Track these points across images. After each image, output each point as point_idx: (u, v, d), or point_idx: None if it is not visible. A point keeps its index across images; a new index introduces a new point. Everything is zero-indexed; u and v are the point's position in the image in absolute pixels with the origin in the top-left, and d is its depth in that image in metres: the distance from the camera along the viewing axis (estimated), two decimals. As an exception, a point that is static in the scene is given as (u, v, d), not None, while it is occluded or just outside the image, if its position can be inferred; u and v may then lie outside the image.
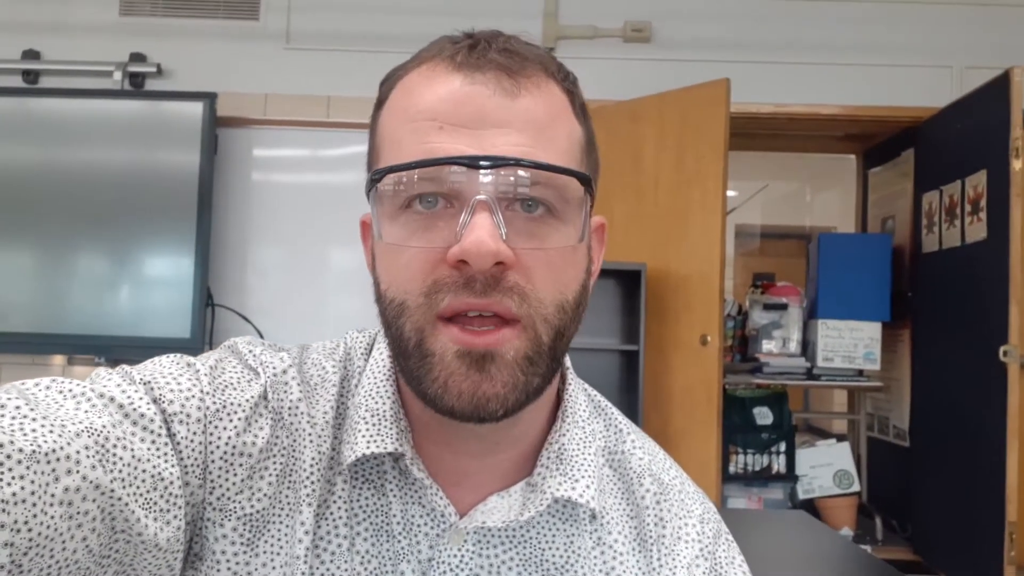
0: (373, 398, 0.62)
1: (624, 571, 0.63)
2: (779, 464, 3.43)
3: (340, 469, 0.61)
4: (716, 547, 0.67)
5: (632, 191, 3.13)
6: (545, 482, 0.61)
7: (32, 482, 0.43)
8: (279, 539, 0.58)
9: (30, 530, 0.42)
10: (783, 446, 3.44)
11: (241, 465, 0.57)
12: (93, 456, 0.47)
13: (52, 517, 0.44)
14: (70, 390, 0.51)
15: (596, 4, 3.46)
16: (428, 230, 0.55)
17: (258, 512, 0.57)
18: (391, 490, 0.61)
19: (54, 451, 0.45)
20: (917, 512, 3.28)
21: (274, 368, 0.63)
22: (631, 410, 2.90)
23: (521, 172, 0.53)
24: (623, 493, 0.67)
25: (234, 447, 0.57)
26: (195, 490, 0.55)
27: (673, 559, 0.65)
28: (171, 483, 0.52)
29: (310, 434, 0.61)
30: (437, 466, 0.61)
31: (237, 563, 0.57)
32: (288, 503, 0.58)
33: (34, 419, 0.46)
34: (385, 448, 0.59)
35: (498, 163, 0.53)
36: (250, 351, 0.64)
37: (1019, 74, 2.66)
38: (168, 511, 0.52)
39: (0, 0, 3.44)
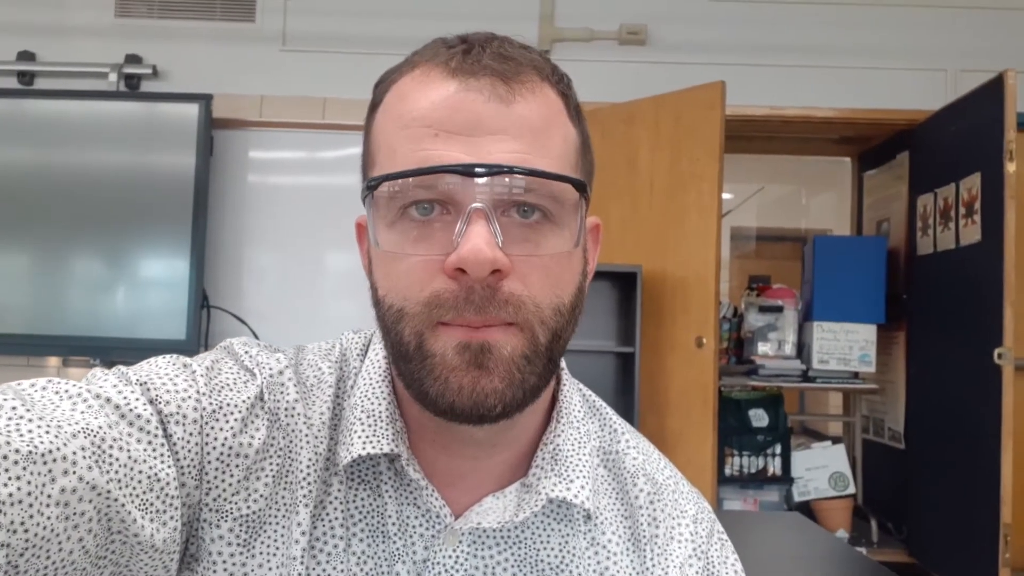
0: (369, 399, 0.62)
1: (618, 571, 0.63)
2: (775, 466, 3.43)
3: (336, 470, 0.61)
4: (709, 547, 0.67)
5: (628, 193, 3.13)
6: (540, 483, 0.61)
7: (28, 483, 0.43)
8: (275, 540, 0.58)
9: (26, 531, 0.42)
10: (779, 448, 3.44)
11: (237, 466, 0.57)
12: (89, 457, 0.47)
13: (48, 518, 0.44)
14: (66, 391, 0.51)
15: (592, 7, 3.47)
16: (424, 237, 0.55)
17: (254, 513, 0.57)
18: (387, 491, 0.61)
19: (50, 452, 0.45)
20: (912, 514, 3.29)
21: (270, 369, 0.63)
22: (627, 412, 2.90)
23: (517, 179, 0.54)
24: (617, 493, 0.67)
25: (230, 448, 0.57)
26: (191, 491, 0.55)
27: (666, 559, 0.65)
28: (167, 484, 0.52)
29: (306, 435, 0.61)
30: (432, 467, 0.61)
31: (233, 564, 0.57)
32: (284, 504, 0.58)
33: (30, 420, 0.46)
34: (381, 449, 0.59)
35: (493, 171, 0.53)
36: (246, 352, 0.64)
37: (1013, 77, 2.67)
38: (164, 512, 0.52)
39: (-5, 2, 3.44)
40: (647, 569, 0.64)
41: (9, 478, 0.42)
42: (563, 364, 0.67)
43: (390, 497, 0.61)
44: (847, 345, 3.40)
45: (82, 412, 0.50)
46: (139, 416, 0.53)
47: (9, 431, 0.44)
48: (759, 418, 3.46)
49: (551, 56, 3.40)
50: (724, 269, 3.17)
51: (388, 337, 0.58)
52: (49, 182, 3.19)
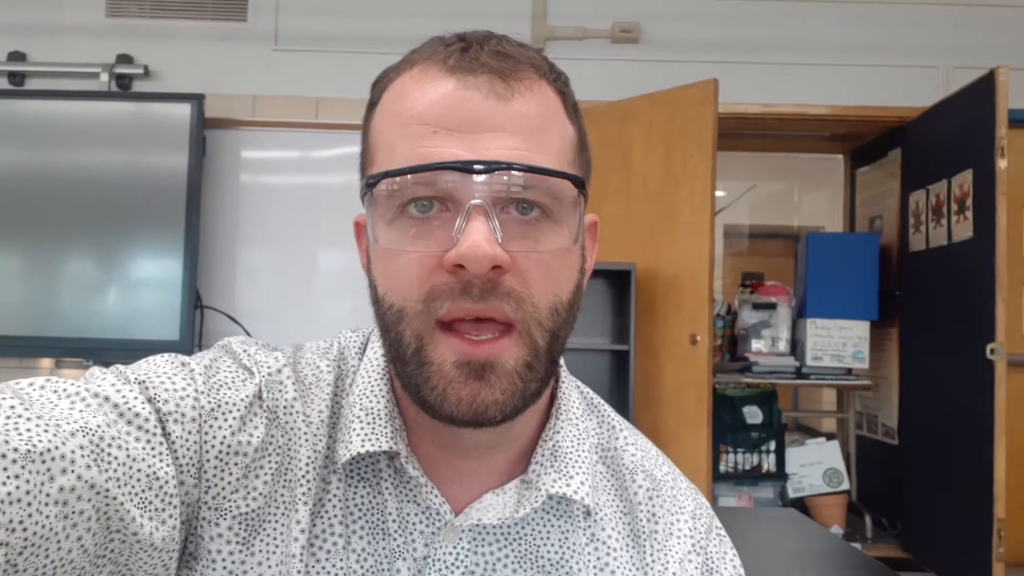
0: (368, 397, 0.62)
1: (618, 566, 0.64)
2: (769, 463, 3.44)
3: (335, 468, 0.61)
4: (708, 542, 0.68)
5: (621, 191, 3.13)
6: (540, 479, 0.62)
7: (27, 482, 0.43)
8: (275, 538, 0.58)
9: (25, 530, 0.42)
10: (773, 445, 3.45)
11: (236, 464, 0.57)
12: (88, 456, 0.47)
13: (47, 517, 0.44)
14: (64, 390, 0.51)
15: (585, 5, 3.47)
16: (424, 235, 0.55)
17: (253, 511, 0.57)
18: (386, 488, 0.61)
19: (49, 451, 0.45)
20: (906, 509, 3.30)
21: (269, 367, 0.63)
22: (622, 410, 2.89)
23: (515, 176, 0.54)
24: (616, 489, 0.67)
25: (229, 446, 0.57)
26: (190, 489, 0.55)
27: (666, 554, 0.65)
28: (166, 482, 0.52)
29: (305, 433, 0.61)
30: (432, 465, 0.61)
31: (233, 562, 0.57)
32: (284, 502, 0.58)
33: (29, 419, 0.46)
34: (380, 447, 0.59)
35: (492, 167, 0.53)
36: (244, 351, 0.64)
37: (1004, 74, 2.68)
38: (163, 511, 0.52)
39: (-15, 2, 3.42)
40: (647, 564, 0.65)
41: (8, 477, 0.42)
42: (561, 362, 0.67)
43: (390, 495, 0.61)
44: (840, 341, 3.41)
45: (80, 411, 0.50)
46: (138, 415, 0.53)
47: (8, 430, 0.44)
48: (753, 415, 3.47)
49: (544, 54, 3.38)
50: (718, 266, 3.17)
51: (387, 337, 0.57)
52: (41, 183, 3.17)
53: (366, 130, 0.62)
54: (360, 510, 0.60)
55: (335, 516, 0.59)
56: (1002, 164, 2.66)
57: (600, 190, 3.12)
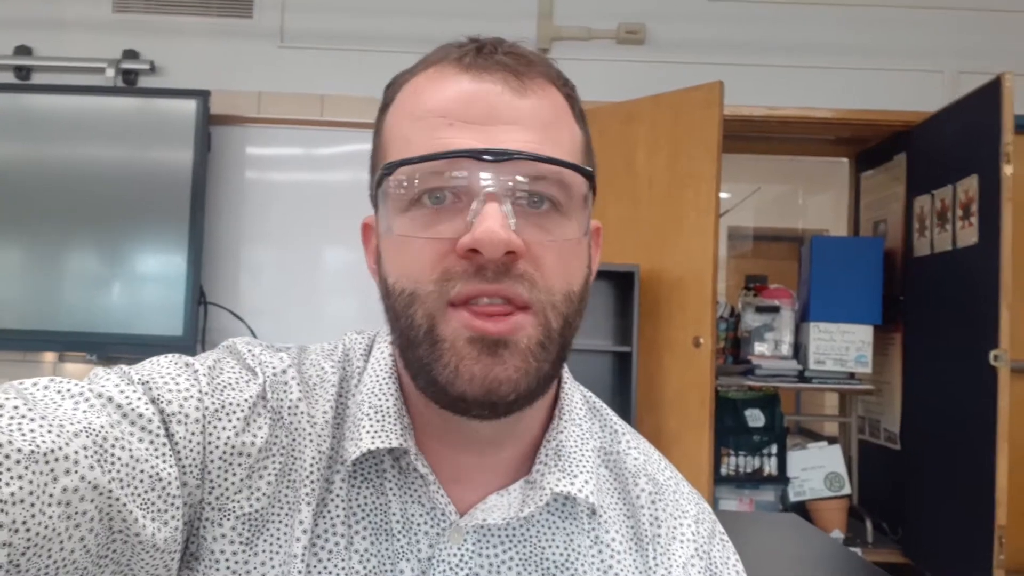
0: (376, 395, 0.62)
1: (621, 569, 0.64)
2: (770, 466, 3.44)
3: (338, 468, 0.61)
4: (711, 547, 0.68)
5: (625, 193, 3.13)
6: (544, 478, 0.62)
7: (31, 482, 0.43)
8: (278, 538, 0.58)
9: (28, 530, 0.42)
10: (775, 448, 3.45)
11: (240, 465, 0.57)
12: (91, 456, 0.47)
13: (50, 517, 0.44)
14: (68, 390, 0.51)
15: (590, 5, 3.47)
16: (437, 223, 0.56)
17: (257, 511, 0.57)
18: (390, 489, 0.61)
19: (52, 451, 0.45)
20: (908, 515, 3.29)
21: (273, 368, 0.63)
22: (624, 412, 2.90)
23: (529, 166, 0.54)
24: (619, 493, 0.67)
25: (233, 447, 0.57)
26: (193, 490, 0.55)
27: (669, 558, 0.65)
28: (169, 483, 0.52)
29: (310, 433, 0.61)
30: (437, 463, 0.62)
31: (236, 562, 0.57)
32: (287, 502, 0.59)
33: (32, 419, 0.46)
34: (390, 443, 0.59)
35: (510, 156, 0.54)
36: (249, 351, 0.64)
37: (1010, 79, 2.67)
38: (166, 511, 0.52)
39: (-8, -5, 3.43)
40: (650, 568, 0.65)
41: (11, 477, 0.42)
42: (564, 365, 0.67)
43: (394, 495, 0.61)
44: (843, 346, 3.40)
45: (84, 411, 0.50)
46: (141, 415, 0.53)
47: (11, 430, 0.44)
48: (755, 418, 3.47)
49: (549, 55, 3.40)
50: (721, 269, 3.17)
51: (398, 324, 0.57)
52: (46, 177, 3.18)
53: (378, 131, 0.63)
54: (363, 510, 0.60)
55: (337, 516, 0.59)
56: (1008, 170, 2.65)
57: (604, 191, 3.11)
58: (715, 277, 2.90)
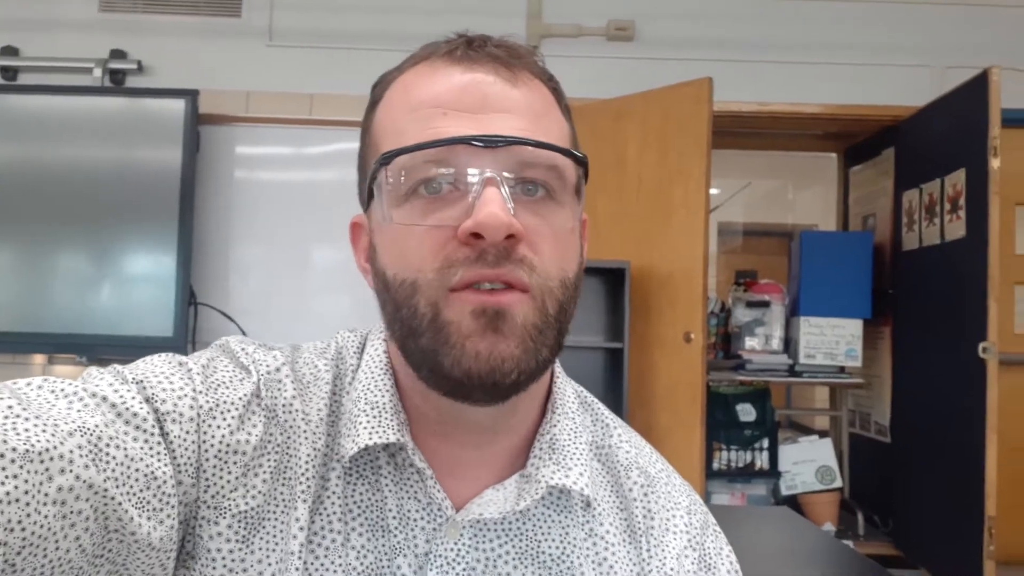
0: (371, 391, 0.62)
1: (616, 561, 0.64)
2: (762, 460, 3.46)
3: (334, 465, 0.61)
4: (704, 538, 0.68)
5: (616, 189, 3.14)
6: (539, 472, 0.62)
7: (25, 481, 0.43)
8: (274, 535, 0.58)
9: (23, 529, 0.42)
10: (766, 443, 3.46)
11: (235, 463, 0.57)
12: (86, 455, 0.47)
13: (45, 517, 0.44)
14: (62, 389, 0.51)
15: (580, 3, 3.47)
16: (436, 211, 0.56)
17: (253, 509, 0.58)
18: (386, 485, 0.61)
19: (47, 450, 0.45)
20: (898, 507, 3.31)
21: (267, 366, 0.63)
22: (616, 407, 2.91)
23: (526, 151, 0.55)
24: (611, 486, 0.68)
25: (228, 445, 0.57)
26: (188, 489, 0.55)
27: (662, 550, 0.66)
28: (164, 482, 0.52)
29: (304, 431, 0.61)
30: (433, 459, 0.62)
31: (232, 560, 0.57)
32: (283, 500, 0.59)
33: (27, 419, 0.46)
34: (387, 439, 0.59)
35: (510, 141, 0.54)
36: (242, 349, 0.64)
37: (997, 73, 2.69)
38: (161, 510, 0.52)
39: (-22, -4, 3.40)
40: (644, 560, 0.65)
41: (6, 477, 0.42)
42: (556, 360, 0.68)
43: (390, 491, 0.61)
44: (833, 340, 3.42)
45: (78, 411, 0.50)
46: (135, 415, 0.53)
47: (6, 430, 0.44)
48: (746, 413, 3.48)
49: (539, 52, 3.38)
50: (711, 264, 3.18)
51: (399, 314, 0.57)
52: (33, 178, 3.16)
53: (367, 128, 0.63)
54: (359, 507, 0.60)
55: (334, 513, 0.60)
56: (995, 164, 2.67)
57: (594, 188, 3.12)
58: (705, 273, 2.90)
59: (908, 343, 3.33)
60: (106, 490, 0.48)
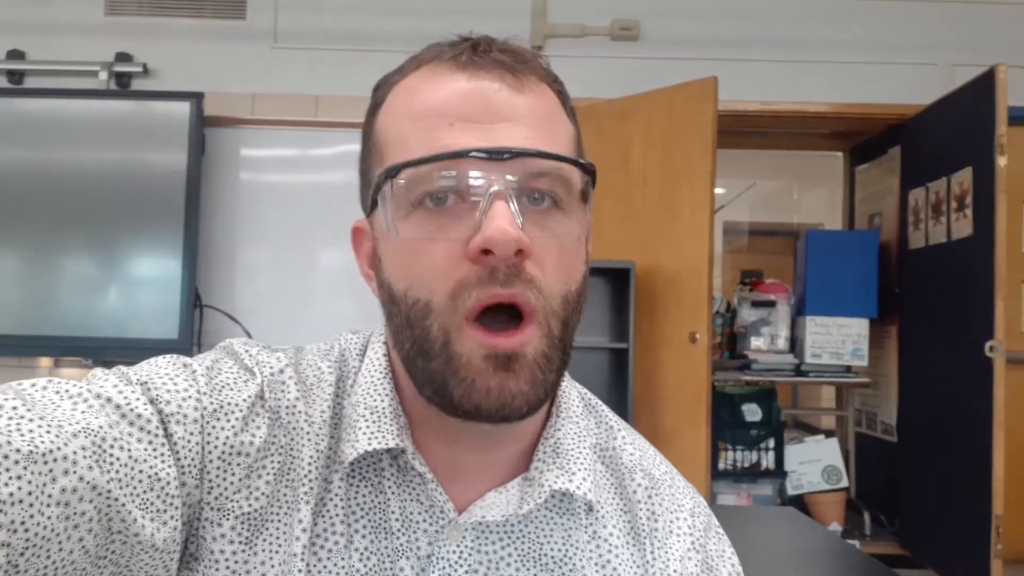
0: (371, 396, 0.62)
1: (619, 564, 0.64)
2: (768, 460, 3.45)
3: (337, 467, 0.61)
4: (707, 540, 0.68)
5: (621, 189, 3.14)
6: (542, 476, 0.62)
7: (29, 482, 0.43)
8: (277, 537, 0.58)
9: (27, 530, 0.43)
10: (772, 442, 3.46)
11: (239, 464, 0.57)
12: (90, 457, 0.47)
13: (49, 518, 0.44)
14: (67, 391, 0.51)
15: (584, 3, 3.47)
16: (443, 226, 0.55)
17: (256, 511, 0.58)
18: (389, 487, 0.61)
19: (51, 452, 0.45)
20: (905, 507, 3.30)
21: (271, 368, 0.63)
22: (621, 408, 2.91)
23: (534, 163, 0.55)
24: (615, 488, 0.68)
25: (232, 447, 0.57)
26: (192, 490, 0.55)
27: (666, 552, 0.65)
28: (168, 483, 0.52)
29: (308, 433, 0.61)
30: (435, 462, 0.62)
31: (236, 562, 0.57)
32: (286, 501, 0.59)
33: (31, 420, 0.46)
34: (386, 444, 0.59)
35: (517, 153, 0.54)
36: (246, 351, 0.64)
37: (1004, 71, 2.68)
38: (165, 511, 0.52)
39: (-16, 0, 3.42)
40: (647, 562, 0.65)
41: (10, 478, 0.42)
42: None
43: (392, 493, 0.61)
44: (839, 339, 3.41)
45: (83, 412, 0.50)
46: (140, 416, 0.53)
47: (10, 431, 0.44)
48: (752, 412, 3.48)
49: (544, 52, 3.40)
50: (717, 264, 3.17)
51: (410, 333, 0.57)
52: (40, 182, 3.17)
53: (369, 132, 0.62)
54: (362, 509, 0.60)
55: (337, 515, 0.59)
56: (1001, 162, 2.66)
57: (600, 188, 3.09)
58: (711, 272, 2.90)
59: (915, 342, 3.32)
60: (109, 491, 0.48)
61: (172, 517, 0.52)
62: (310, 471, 0.59)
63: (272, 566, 0.57)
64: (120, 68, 3.37)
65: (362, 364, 0.66)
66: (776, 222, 6.04)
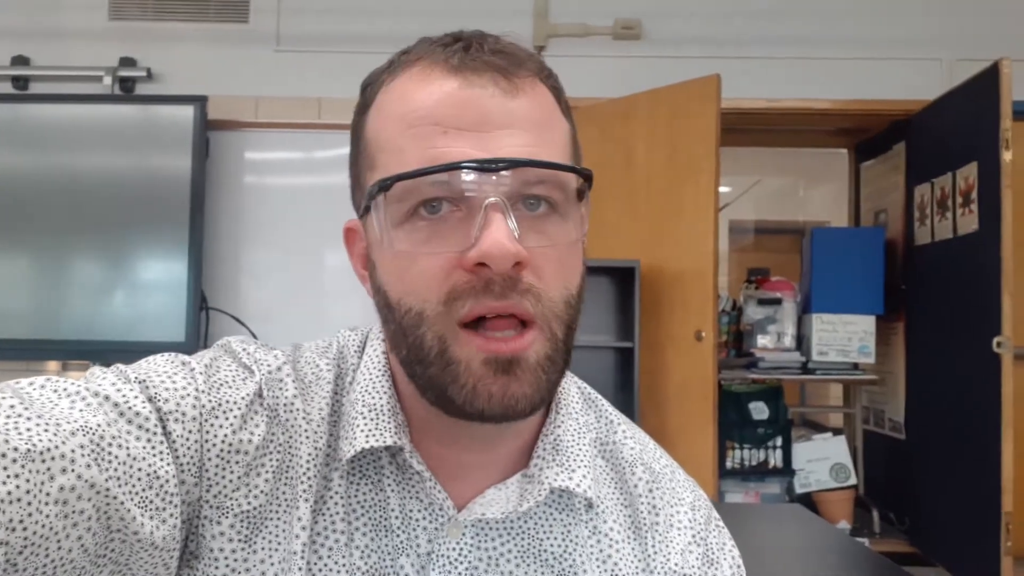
0: (369, 393, 0.62)
1: (620, 558, 0.64)
2: (775, 459, 3.44)
3: (336, 465, 0.61)
4: (708, 533, 0.68)
5: (625, 188, 3.13)
6: (542, 473, 0.62)
7: (27, 481, 0.43)
8: (276, 535, 0.58)
9: (25, 529, 0.43)
10: (779, 441, 3.45)
11: (238, 462, 0.57)
12: (88, 455, 0.47)
13: (47, 516, 0.44)
14: (65, 389, 0.51)
15: (587, 2, 3.47)
16: (438, 235, 0.55)
17: (255, 509, 0.58)
18: (389, 485, 0.61)
19: (49, 450, 0.45)
20: (914, 504, 3.29)
21: (269, 366, 0.63)
22: (627, 407, 2.90)
23: (531, 172, 0.54)
24: (616, 482, 0.68)
25: (230, 444, 0.57)
26: (191, 488, 0.55)
27: (667, 545, 0.65)
28: (167, 481, 0.52)
29: (306, 430, 0.61)
30: (435, 460, 0.61)
31: (235, 560, 0.57)
32: (285, 499, 0.59)
33: (29, 418, 0.46)
34: (384, 442, 0.59)
35: (512, 165, 0.53)
36: (244, 349, 0.64)
37: (1008, 66, 2.67)
38: (164, 509, 0.52)
39: (-11, 6, 3.43)
40: (648, 556, 0.65)
41: (8, 476, 0.42)
42: None
43: (392, 491, 0.61)
44: (846, 336, 3.40)
45: (81, 410, 0.50)
46: (138, 414, 0.53)
47: (8, 429, 0.44)
48: (759, 411, 3.47)
49: (546, 52, 3.40)
50: (722, 262, 3.17)
51: (404, 341, 0.57)
52: (45, 187, 3.19)
53: (359, 134, 0.61)
54: (362, 507, 0.60)
55: (337, 513, 0.59)
56: (1007, 156, 2.65)
57: (604, 188, 3.12)
58: (716, 271, 2.89)
59: (922, 339, 3.31)
60: (108, 489, 0.48)
61: (171, 515, 0.52)
62: (309, 469, 0.59)
63: (272, 564, 0.57)
64: (124, 73, 3.39)
65: (360, 361, 0.65)
66: (781, 220, 6.03)
